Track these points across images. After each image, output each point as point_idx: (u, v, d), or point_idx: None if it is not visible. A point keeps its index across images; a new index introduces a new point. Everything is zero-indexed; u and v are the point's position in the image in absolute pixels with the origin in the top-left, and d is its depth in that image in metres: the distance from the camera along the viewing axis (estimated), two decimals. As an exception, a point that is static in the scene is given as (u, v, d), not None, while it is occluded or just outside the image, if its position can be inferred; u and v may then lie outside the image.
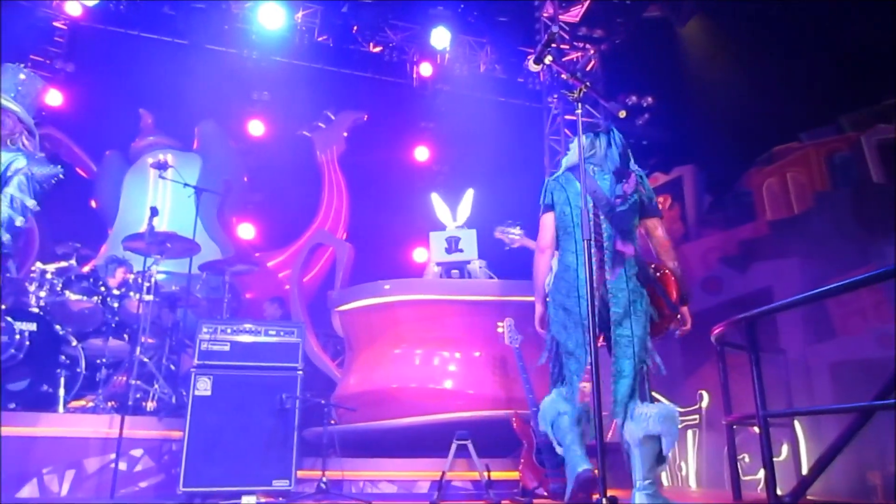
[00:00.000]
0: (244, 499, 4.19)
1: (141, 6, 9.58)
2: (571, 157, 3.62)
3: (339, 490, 4.73)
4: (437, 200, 6.55)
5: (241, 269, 6.63)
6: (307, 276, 9.29)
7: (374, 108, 11.25)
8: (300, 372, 4.62)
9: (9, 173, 3.77)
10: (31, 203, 3.80)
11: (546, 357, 3.52)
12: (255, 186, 10.65)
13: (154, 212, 5.65)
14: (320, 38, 10.41)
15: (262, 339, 4.63)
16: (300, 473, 4.60)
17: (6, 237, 3.68)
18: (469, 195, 6.55)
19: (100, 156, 9.78)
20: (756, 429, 3.65)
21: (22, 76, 4.08)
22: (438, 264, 6.23)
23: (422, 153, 11.52)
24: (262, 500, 4.31)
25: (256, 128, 10.64)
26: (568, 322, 3.36)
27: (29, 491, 4.36)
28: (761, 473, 5.17)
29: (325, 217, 10.96)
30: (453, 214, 6.49)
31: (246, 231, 10.45)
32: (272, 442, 4.39)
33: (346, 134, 11.39)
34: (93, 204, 9.71)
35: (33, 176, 3.82)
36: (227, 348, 4.54)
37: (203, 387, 4.40)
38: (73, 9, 9.29)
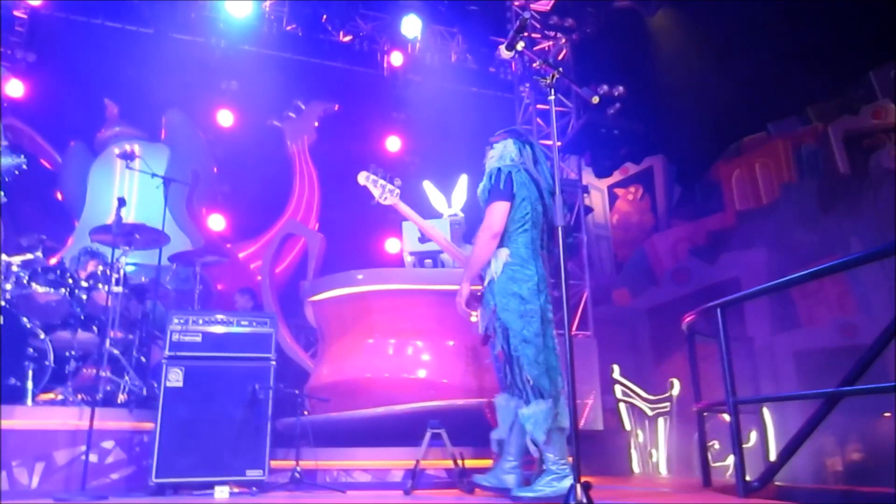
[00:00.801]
0: (217, 489, 4.16)
1: (104, -6, 9.39)
2: (514, 156, 3.89)
3: (313, 479, 4.73)
4: (430, 188, 6.50)
5: (211, 260, 6.55)
6: (279, 267, 9.23)
7: (344, 98, 11.18)
8: (273, 362, 4.58)
9: None
10: (-6, 195, 3.71)
11: (498, 346, 3.69)
12: (225, 177, 10.54)
13: (121, 202, 5.53)
14: (289, 28, 10.28)
15: (234, 329, 4.58)
16: (273, 464, 4.58)
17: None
18: (463, 181, 6.50)
19: (64, 147, 9.59)
20: (725, 416, 3.72)
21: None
22: (411, 254, 6.22)
23: (393, 143, 11.50)
24: (235, 490, 4.28)
25: (225, 118, 10.51)
26: (524, 311, 3.55)
27: (-3, 484, 4.29)
28: (730, 460, 5.27)
29: (297, 207, 10.89)
30: (448, 201, 6.46)
31: (216, 222, 10.35)
32: (245, 432, 4.35)
33: (316, 124, 11.33)
34: (58, 196, 9.52)
35: None
36: (198, 339, 4.48)
37: (174, 378, 4.35)
38: (34, -4, 9.08)
